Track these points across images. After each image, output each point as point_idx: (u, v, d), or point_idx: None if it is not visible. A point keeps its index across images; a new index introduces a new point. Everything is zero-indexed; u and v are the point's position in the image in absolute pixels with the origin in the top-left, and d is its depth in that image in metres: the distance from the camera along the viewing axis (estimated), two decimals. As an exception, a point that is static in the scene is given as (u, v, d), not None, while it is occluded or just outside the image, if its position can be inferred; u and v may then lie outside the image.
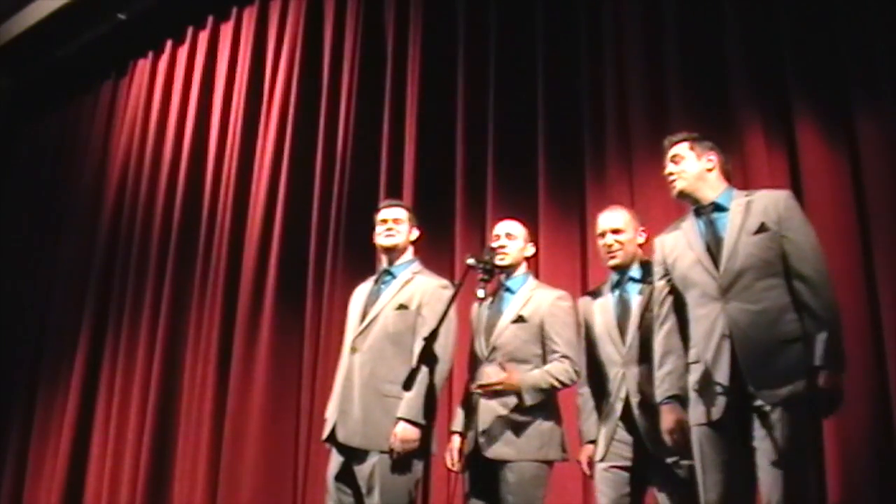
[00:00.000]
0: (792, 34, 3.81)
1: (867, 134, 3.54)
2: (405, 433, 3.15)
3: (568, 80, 4.49)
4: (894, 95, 3.51)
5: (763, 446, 2.54)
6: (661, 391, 2.83)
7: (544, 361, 3.26)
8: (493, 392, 3.17)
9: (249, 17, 6.27)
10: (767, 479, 2.51)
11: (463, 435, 3.31)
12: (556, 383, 3.21)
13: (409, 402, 3.14)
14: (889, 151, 3.47)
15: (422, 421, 3.12)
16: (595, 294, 3.31)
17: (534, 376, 3.21)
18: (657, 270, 2.94)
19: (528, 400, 3.17)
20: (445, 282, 3.49)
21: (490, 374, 3.22)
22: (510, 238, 3.43)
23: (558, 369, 3.22)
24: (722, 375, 2.63)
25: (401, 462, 3.16)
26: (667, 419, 2.80)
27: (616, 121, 4.26)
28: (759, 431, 2.55)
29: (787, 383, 2.54)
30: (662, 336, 2.86)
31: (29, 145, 8.03)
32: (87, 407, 6.14)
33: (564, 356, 3.23)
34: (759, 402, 2.57)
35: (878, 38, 3.59)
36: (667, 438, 2.81)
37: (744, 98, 3.86)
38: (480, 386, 3.18)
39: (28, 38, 7.35)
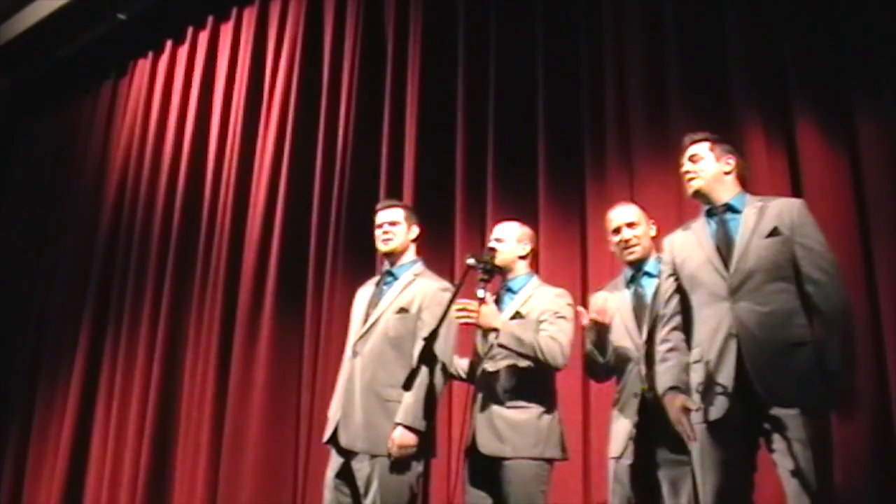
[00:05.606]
0: (792, 34, 3.81)
1: (867, 134, 3.54)
2: (403, 438, 3.14)
3: (568, 79, 4.49)
4: (894, 95, 3.51)
5: (783, 452, 2.52)
6: (662, 383, 2.79)
7: None
8: (466, 314, 3.08)
9: (249, 17, 6.27)
10: (792, 486, 2.50)
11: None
12: (537, 348, 3.14)
13: (408, 407, 3.13)
14: (889, 151, 3.47)
15: (420, 426, 3.11)
16: (610, 290, 3.29)
17: (520, 329, 3.16)
18: (664, 269, 2.92)
19: (503, 338, 3.12)
20: (446, 284, 3.46)
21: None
22: (499, 241, 3.41)
23: (546, 341, 3.17)
24: (726, 375, 2.62)
25: (399, 465, 3.15)
26: (672, 410, 2.72)
27: (616, 121, 4.26)
28: (777, 437, 2.53)
29: (801, 388, 2.53)
30: (666, 332, 2.84)
31: (29, 145, 8.02)
32: (87, 407, 6.14)
33: (553, 337, 3.19)
34: (770, 406, 2.55)
35: (878, 38, 3.59)
36: (678, 428, 2.71)
37: (744, 98, 3.86)
38: (458, 309, 3.08)
39: (28, 38, 7.34)
